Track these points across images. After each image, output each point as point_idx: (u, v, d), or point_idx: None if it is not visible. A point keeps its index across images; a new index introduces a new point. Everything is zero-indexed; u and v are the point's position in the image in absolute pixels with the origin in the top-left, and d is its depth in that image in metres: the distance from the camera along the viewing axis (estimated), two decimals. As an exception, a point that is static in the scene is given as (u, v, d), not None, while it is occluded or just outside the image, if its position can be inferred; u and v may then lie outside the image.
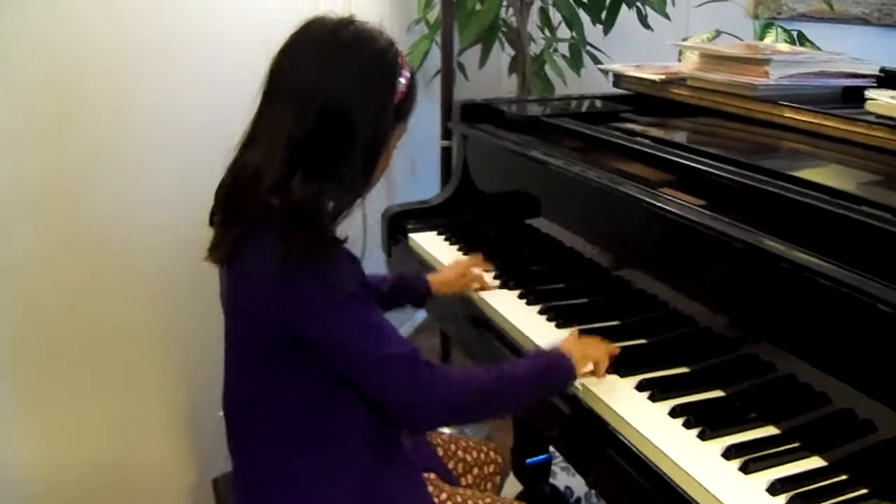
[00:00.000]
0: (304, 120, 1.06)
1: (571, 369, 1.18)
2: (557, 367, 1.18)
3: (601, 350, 1.23)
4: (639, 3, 2.73)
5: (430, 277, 1.56)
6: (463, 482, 1.43)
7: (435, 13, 2.75)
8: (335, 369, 1.10)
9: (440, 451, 1.44)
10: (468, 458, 1.47)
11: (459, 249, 1.78)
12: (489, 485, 1.49)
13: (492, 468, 1.50)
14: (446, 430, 2.35)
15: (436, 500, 1.26)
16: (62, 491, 1.48)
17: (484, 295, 1.55)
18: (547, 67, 2.80)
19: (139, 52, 1.58)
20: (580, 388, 1.21)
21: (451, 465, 1.44)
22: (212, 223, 1.16)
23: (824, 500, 0.94)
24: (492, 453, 1.51)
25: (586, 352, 1.22)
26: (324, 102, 1.06)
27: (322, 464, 1.15)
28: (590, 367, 1.21)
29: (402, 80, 1.12)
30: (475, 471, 1.46)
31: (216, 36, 1.82)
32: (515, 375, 1.16)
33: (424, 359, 1.11)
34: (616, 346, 1.25)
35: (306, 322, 1.07)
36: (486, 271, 1.60)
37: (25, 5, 1.32)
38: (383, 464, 1.19)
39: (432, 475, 1.31)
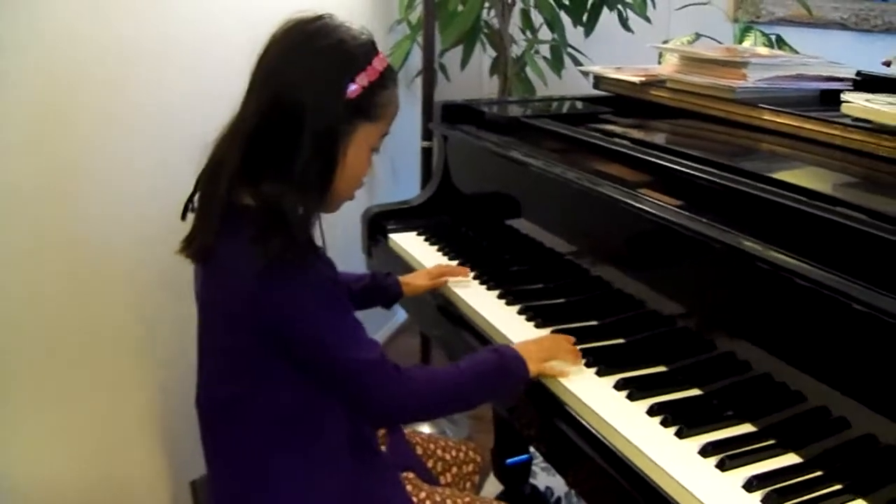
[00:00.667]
0: (259, 110, 1.08)
1: (524, 369, 1.21)
2: (513, 366, 1.21)
3: (561, 349, 1.27)
4: (620, 6, 2.74)
5: (403, 279, 1.58)
6: (442, 481, 1.44)
7: (417, 14, 2.75)
8: (311, 369, 1.10)
9: (419, 451, 1.44)
10: (447, 457, 1.47)
11: (439, 250, 1.78)
12: (468, 484, 1.49)
13: (471, 467, 1.50)
14: (426, 430, 2.37)
15: (415, 499, 1.26)
16: (41, 497, 1.47)
17: (463, 295, 1.55)
18: (528, 69, 2.80)
19: (132, 53, 1.57)
20: (559, 386, 1.22)
21: (430, 465, 1.44)
22: (184, 217, 1.15)
23: (800, 496, 0.95)
24: (471, 452, 1.51)
25: (548, 352, 1.25)
26: (276, 93, 1.07)
27: (307, 464, 1.15)
28: (554, 364, 1.24)
29: (364, 76, 1.10)
30: (454, 469, 1.47)
31: (210, 37, 1.81)
32: (474, 375, 1.20)
33: (391, 362, 1.14)
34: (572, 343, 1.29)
35: (288, 323, 1.07)
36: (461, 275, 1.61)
37: (15, 6, 1.31)
38: (363, 465, 1.20)
39: (411, 475, 1.32)
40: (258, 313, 1.07)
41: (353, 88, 1.09)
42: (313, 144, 1.06)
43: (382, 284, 1.55)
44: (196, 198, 1.15)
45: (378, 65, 1.12)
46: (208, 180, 1.12)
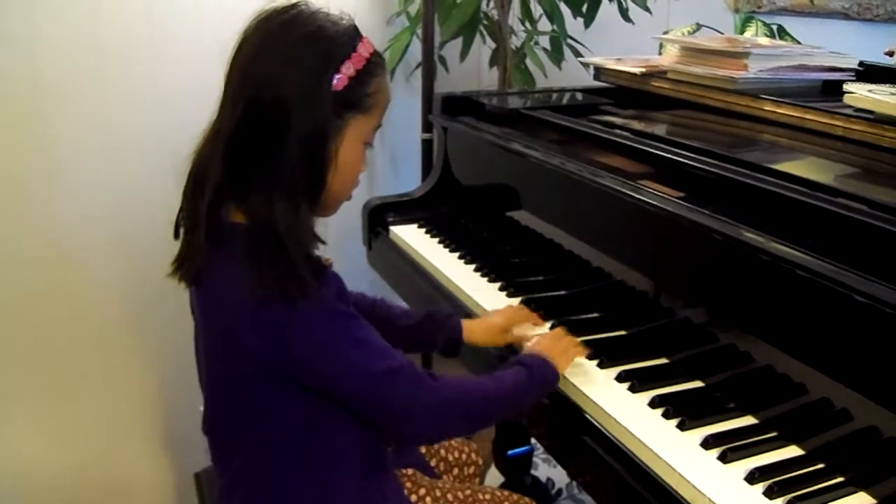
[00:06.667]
0: (238, 114, 0.98)
1: (555, 371, 1.18)
2: (543, 370, 1.17)
3: (572, 342, 1.25)
4: (620, -3, 2.73)
5: (466, 323, 1.37)
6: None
7: (416, 6, 2.74)
8: (330, 394, 1.03)
9: (422, 449, 1.42)
10: (450, 457, 1.46)
11: (440, 242, 1.78)
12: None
13: (472, 469, 1.48)
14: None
15: (414, 496, 1.25)
16: (46, 494, 1.47)
17: (466, 289, 1.55)
18: (528, 60, 2.79)
19: (129, 51, 1.56)
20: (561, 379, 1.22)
21: (432, 463, 1.43)
22: (176, 235, 1.07)
23: (802, 489, 0.95)
24: (473, 455, 1.49)
25: (563, 347, 1.23)
26: (255, 93, 0.98)
27: (319, 482, 1.09)
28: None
29: (350, 65, 1.00)
30: (455, 471, 1.45)
31: (207, 35, 1.80)
32: (510, 383, 1.14)
33: (421, 369, 1.06)
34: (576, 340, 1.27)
35: (294, 352, 0.99)
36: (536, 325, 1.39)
37: (10, 4, 1.30)
38: (374, 480, 1.15)
39: (410, 470, 1.30)
40: (261, 345, 0.99)
41: (339, 79, 0.99)
42: (301, 146, 0.97)
43: (431, 329, 1.35)
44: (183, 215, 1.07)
45: (364, 51, 1.02)
46: (192, 196, 1.04)
